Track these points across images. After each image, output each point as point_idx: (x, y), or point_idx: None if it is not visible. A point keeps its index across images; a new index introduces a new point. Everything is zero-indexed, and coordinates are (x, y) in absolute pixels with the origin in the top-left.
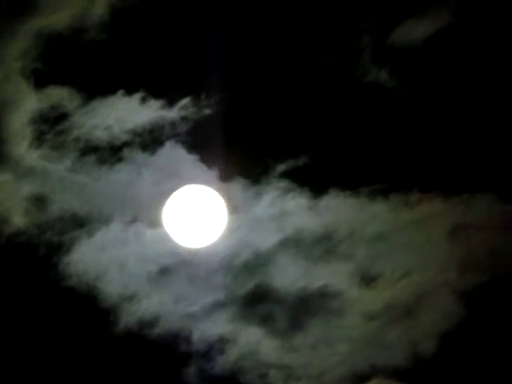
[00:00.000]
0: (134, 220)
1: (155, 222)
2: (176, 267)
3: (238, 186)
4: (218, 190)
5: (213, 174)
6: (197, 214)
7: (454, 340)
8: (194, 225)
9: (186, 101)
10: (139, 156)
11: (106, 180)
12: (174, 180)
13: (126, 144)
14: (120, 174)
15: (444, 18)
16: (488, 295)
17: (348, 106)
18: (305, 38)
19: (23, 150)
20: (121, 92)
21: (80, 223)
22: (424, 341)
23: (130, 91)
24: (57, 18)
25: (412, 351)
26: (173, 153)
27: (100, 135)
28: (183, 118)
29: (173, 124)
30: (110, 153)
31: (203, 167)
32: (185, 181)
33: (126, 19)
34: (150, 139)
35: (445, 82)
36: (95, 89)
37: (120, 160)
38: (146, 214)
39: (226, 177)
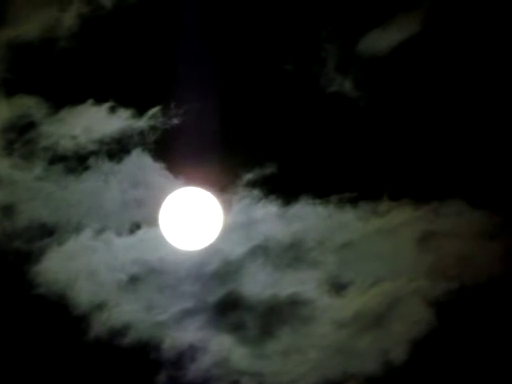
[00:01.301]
0: (103, 228)
1: (124, 230)
2: (146, 275)
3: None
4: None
5: (179, 182)
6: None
7: (425, 347)
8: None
9: (155, 110)
10: (105, 165)
11: (73, 189)
12: (140, 188)
13: (92, 153)
14: (87, 182)
15: (411, 28)
16: (458, 303)
17: (315, 115)
18: (273, 49)
19: None
20: (90, 101)
21: (49, 232)
22: (395, 348)
23: (99, 101)
24: (27, 29)
25: (383, 358)
26: (139, 161)
27: (67, 144)
28: (151, 128)
29: (141, 133)
30: (77, 162)
31: (170, 176)
32: (151, 189)
33: (96, 29)
34: (117, 148)
35: (412, 90)
36: (65, 98)
37: (87, 169)
38: (115, 222)
39: (193, 186)
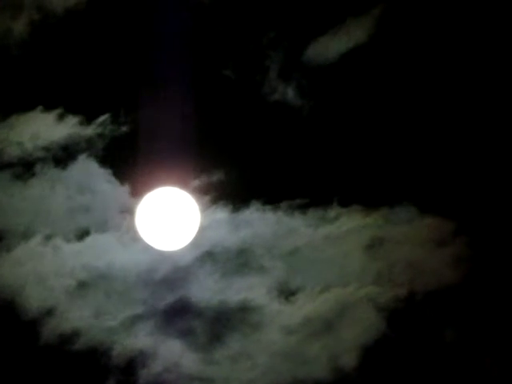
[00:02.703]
0: (52, 235)
1: (72, 237)
2: (95, 281)
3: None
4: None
5: (126, 189)
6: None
7: (375, 353)
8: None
9: (104, 118)
10: (51, 171)
11: (20, 195)
12: (87, 194)
13: (39, 159)
14: (34, 189)
15: (359, 35)
16: (408, 309)
17: (260, 122)
18: (213, 54)
19: None
20: (39, 108)
21: None
22: (345, 354)
23: (48, 108)
24: None
25: (333, 364)
26: (85, 168)
27: (14, 151)
28: (99, 135)
29: (88, 140)
30: (24, 169)
31: (116, 182)
32: (99, 195)
33: (47, 36)
34: (63, 155)
35: (357, 98)
36: (14, 105)
37: (33, 175)
38: (63, 228)
39: (139, 192)
